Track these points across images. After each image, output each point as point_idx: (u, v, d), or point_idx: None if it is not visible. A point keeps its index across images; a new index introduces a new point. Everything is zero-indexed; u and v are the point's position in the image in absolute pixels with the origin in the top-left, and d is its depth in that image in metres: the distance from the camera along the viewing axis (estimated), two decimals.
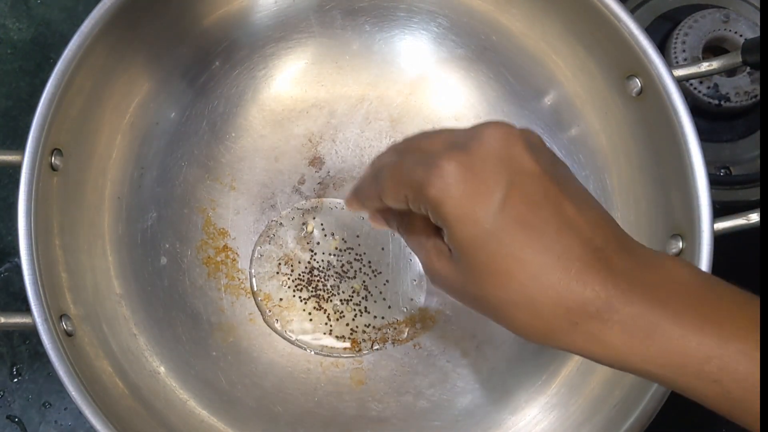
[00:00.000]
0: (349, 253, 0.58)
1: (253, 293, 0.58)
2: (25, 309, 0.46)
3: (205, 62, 0.57)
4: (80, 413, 0.44)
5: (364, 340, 0.57)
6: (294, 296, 0.58)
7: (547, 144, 0.34)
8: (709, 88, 0.64)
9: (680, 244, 0.48)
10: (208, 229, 0.58)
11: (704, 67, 0.52)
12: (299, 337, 0.57)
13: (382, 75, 0.61)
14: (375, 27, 0.59)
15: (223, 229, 0.58)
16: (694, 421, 0.60)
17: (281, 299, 0.58)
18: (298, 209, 0.59)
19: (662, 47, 0.65)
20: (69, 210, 0.51)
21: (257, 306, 0.57)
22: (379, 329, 0.57)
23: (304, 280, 0.58)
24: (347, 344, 0.57)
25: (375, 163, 0.39)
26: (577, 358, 0.54)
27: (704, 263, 0.46)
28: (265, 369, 0.56)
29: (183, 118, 0.58)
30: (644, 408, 0.45)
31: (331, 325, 0.57)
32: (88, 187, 0.53)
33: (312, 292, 0.58)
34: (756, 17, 0.66)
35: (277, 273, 0.58)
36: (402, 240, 0.59)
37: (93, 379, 0.46)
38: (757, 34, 0.64)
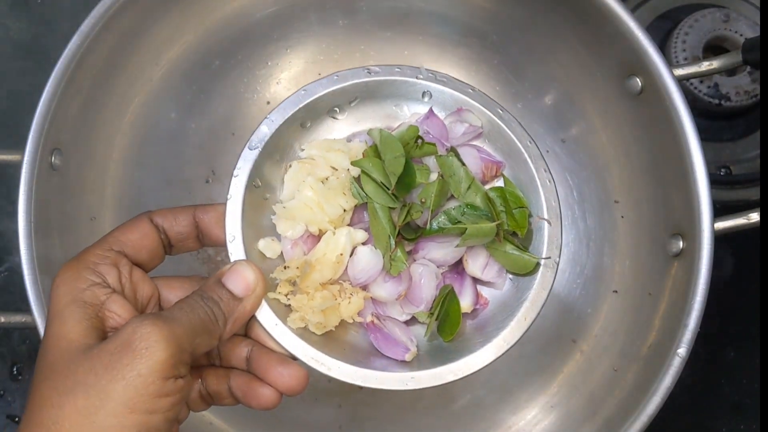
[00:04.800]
0: None
1: None
2: (25, 308, 0.46)
3: (206, 62, 0.57)
4: None
5: None
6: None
7: None
8: (709, 87, 0.64)
9: (680, 244, 0.48)
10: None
11: (704, 66, 0.52)
12: None
13: None
14: (375, 26, 0.59)
15: None
16: (694, 421, 0.61)
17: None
18: None
19: (662, 47, 0.65)
20: (69, 209, 0.51)
21: None
22: None
23: None
24: None
25: None
26: (577, 358, 0.54)
27: (704, 263, 0.46)
28: None
29: (183, 118, 0.58)
30: (644, 408, 0.45)
31: None
32: (88, 186, 0.53)
33: None
34: (756, 17, 0.66)
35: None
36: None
37: None
38: (758, 33, 0.64)
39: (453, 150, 0.43)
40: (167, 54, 0.56)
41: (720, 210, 0.47)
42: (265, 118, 0.42)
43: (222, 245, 0.40)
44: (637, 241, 0.53)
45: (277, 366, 0.39)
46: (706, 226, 0.46)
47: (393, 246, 0.41)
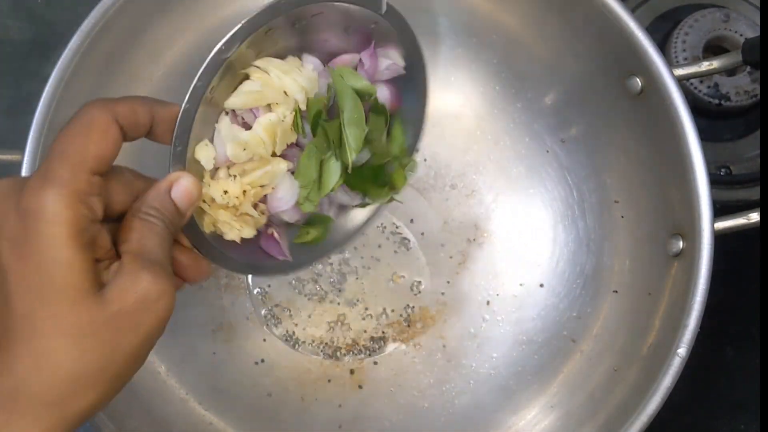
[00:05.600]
0: (349, 252, 0.58)
1: (251, 292, 0.58)
2: None
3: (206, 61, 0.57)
4: None
5: (364, 340, 0.57)
6: (294, 296, 0.58)
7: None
8: (709, 87, 0.64)
9: (680, 244, 0.48)
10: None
11: (704, 66, 0.52)
12: (299, 338, 0.57)
13: None
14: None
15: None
16: (694, 421, 0.61)
17: (281, 299, 0.58)
18: None
19: (662, 47, 0.65)
20: None
21: (255, 306, 0.57)
22: (380, 329, 0.57)
23: (304, 279, 0.58)
24: (347, 344, 0.57)
25: None
26: (577, 358, 0.54)
27: (704, 263, 0.46)
28: (265, 368, 0.56)
29: None
30: (644, 408, 0.45)
31: (331, 326, 0.57)
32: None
33: (312, 291, 0.58)
34: (756, 17, 0.66)
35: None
36: (400, 239, 0.59)
37: None
38: (758, 33, 0.64)
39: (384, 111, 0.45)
40: (167, 54, 0.56)
41: (720, 210, 0.47)
42: (239, 26, 0.38)
43: (163, 144, 0.38)
44: (637, 241, 0.53)
45: (184, 258, 0.39)
46: (706, 226, 0.46)
47: (316, 192, 0.44)
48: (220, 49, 0.38)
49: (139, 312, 0.33)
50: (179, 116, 0.38)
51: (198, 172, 0.39)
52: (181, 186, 0.37)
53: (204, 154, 0.39)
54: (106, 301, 0.32)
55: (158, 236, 0.35)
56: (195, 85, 0.38)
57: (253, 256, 0.45)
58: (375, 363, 0.57)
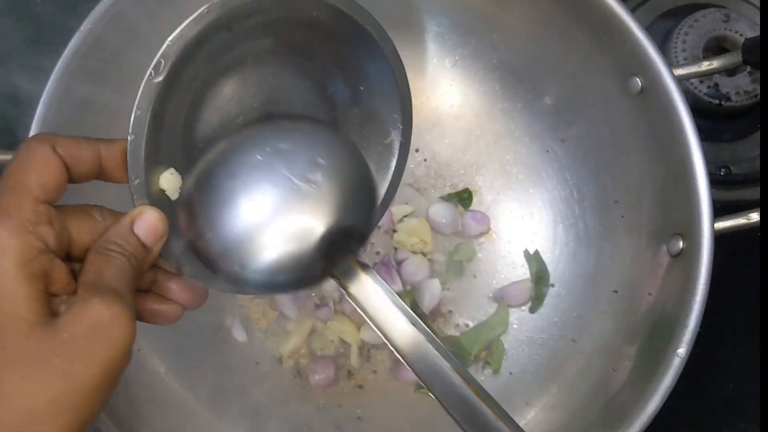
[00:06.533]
0: None
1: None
2: None
3: None
4: None
5: (365, 339, 0.57)
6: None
7: None
8: (709, 87, 0.64)
9: (680, 244, 0.48)
10: None
11: (705, 66, 0.52)
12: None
13: None
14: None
15: None
16: (694, 421, 0.61)
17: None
18: None
19: (663, 46, 0.65)
20: None
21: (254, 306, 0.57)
22: None
23: None
24: (348, 344, 0.57)
25: None
26: (577, 358, 0.54)
27: (704, 263, 0.46)
28: (265, 370, 0.56)
29: None
30: (644, 408, 0.45)
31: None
32: (89, 185, 0.53)
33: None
34: (756, 16, 0.66)
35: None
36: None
37: None
38: (758, 33, 0.64)
39: None
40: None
41: (720, 210, 0.47)
42: (164, 47, 0.38)
43: (122, 182, 0.37)
44: (637, 241, 0.53)
45: (183, 285, 0.39)
46: (706, 226, 0.46)
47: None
48: (149, 75, 0.37)
49: (92, 340, 0.31)
50: (128, 147, 0.36)
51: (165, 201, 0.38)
52: (145, 221, 0.36)
53: (169, 183, 0.38)
54: (56, 329, 0.31)
55: (117, 268, 0.34)
56: (135, 114, 0.37)
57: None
58: (374, 362, 0.57)
